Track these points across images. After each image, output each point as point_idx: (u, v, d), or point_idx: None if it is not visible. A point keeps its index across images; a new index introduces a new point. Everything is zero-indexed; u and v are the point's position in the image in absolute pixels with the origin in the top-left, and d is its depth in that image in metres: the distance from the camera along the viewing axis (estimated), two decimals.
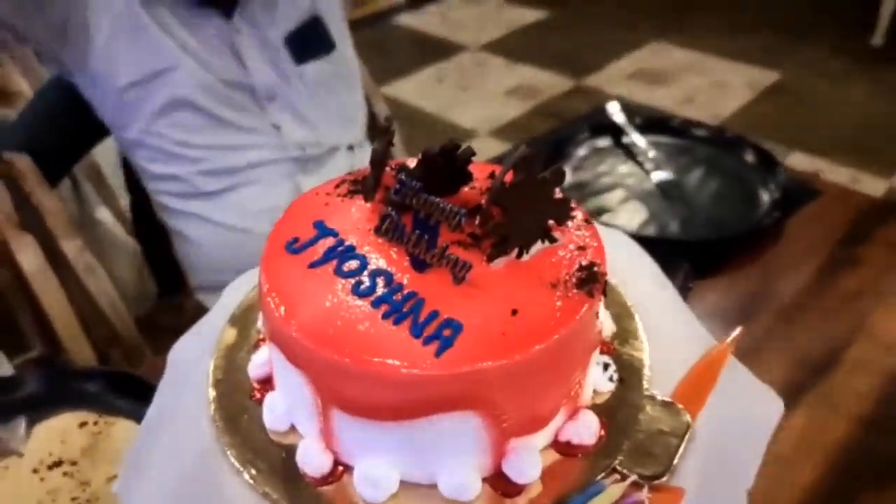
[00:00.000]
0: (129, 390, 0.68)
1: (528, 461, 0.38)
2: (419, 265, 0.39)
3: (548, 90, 2.73)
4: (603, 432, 0.41)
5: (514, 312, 0.37)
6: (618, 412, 0.42)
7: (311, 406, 0.39)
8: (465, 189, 0.44)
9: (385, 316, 0.37)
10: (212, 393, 0.44)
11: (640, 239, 0.58)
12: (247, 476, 0.40)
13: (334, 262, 0.40)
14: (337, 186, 0.47)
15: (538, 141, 1.26)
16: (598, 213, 1.01)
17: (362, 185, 0.45)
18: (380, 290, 0.38)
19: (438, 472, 0.38)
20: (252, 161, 1.09)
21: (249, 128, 1.09)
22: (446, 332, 0.36)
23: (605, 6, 3.35)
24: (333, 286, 0.39)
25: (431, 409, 0.36)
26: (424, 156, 0.40)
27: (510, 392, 0.36)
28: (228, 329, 0.49)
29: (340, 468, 0.40)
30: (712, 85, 2.71)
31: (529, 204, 0.39)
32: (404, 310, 0.37)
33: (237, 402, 0.44)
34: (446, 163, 0.41)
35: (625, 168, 1.11)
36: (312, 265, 0.40)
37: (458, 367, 0.34)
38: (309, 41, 1.12)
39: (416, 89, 2.82)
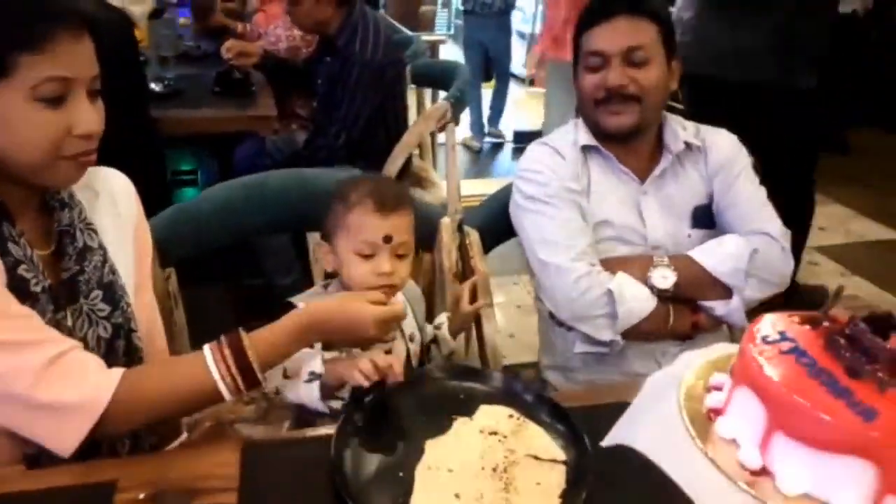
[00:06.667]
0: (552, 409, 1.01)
1: None
2: (853, 374, 0.67)
3: (886, 307, 2.70)
4: None
5: None
6: None
7: (760, 427, 0.68)
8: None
9: (828, 391, 0.65)
10: (684, 403, 0.76)
11: None
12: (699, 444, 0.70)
13: (794, 355, 0.70)
14: (790, 316, 0.77)
15: None
16: None
17: (811, 320, 0.75)
18: (825, 378, 0.67)
19: (834, 492, 0.64)
20: None
21: None
22: (868, 412, 0.62)
23: None
24: (796, 367, 0.68)
25: (847, 450, 0.62)
26: (871, 316, 0.69)
27: None
28: (690, 377, 0.81)
29: (764, 468, 0.68)
30: None
31: None
32: (842, 393, 0.65)
33: (698, 413, 0.75)
34: (880, 320, 0.69)
35: None
36: (782, 352, 0.70)
37: (874, 432, 0.61)
38: None
39: None
